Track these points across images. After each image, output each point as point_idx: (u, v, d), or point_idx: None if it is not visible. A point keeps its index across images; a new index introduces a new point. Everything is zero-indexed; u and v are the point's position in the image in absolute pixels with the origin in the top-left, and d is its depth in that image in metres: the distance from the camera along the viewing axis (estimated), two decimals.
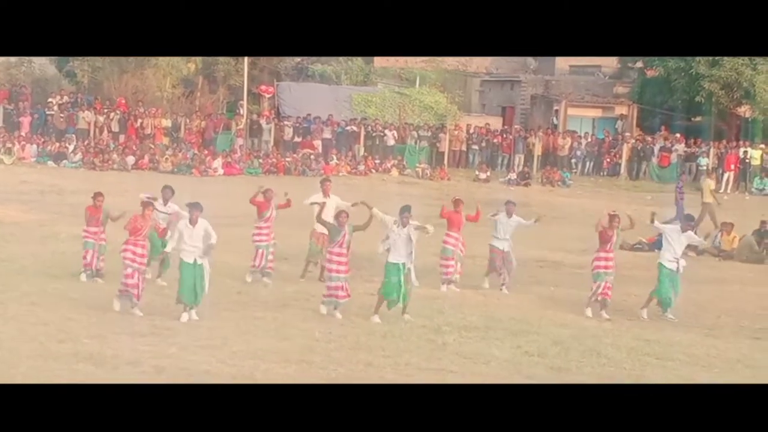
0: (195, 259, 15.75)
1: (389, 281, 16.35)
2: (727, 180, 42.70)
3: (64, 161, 39.07)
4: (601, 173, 44.27)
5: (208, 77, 48.14)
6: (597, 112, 48.82)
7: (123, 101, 43.37)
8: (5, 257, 20.41)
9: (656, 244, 27.18)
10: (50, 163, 38.95)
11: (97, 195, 18.84)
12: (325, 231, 18.17)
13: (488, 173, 42.20)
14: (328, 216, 18.35)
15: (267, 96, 46.02)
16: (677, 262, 18.07)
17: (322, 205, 18.02)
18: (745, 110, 45.48)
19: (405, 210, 16.68)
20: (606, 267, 18.10)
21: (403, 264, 16.40)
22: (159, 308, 16.30)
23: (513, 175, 42.10)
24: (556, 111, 48.57)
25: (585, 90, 49.88)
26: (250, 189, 33.60)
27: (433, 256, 19.67)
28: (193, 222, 15.86)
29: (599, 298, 18.01)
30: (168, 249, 16.38)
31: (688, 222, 19.06)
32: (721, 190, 42.16)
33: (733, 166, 42.75)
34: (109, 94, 44.59)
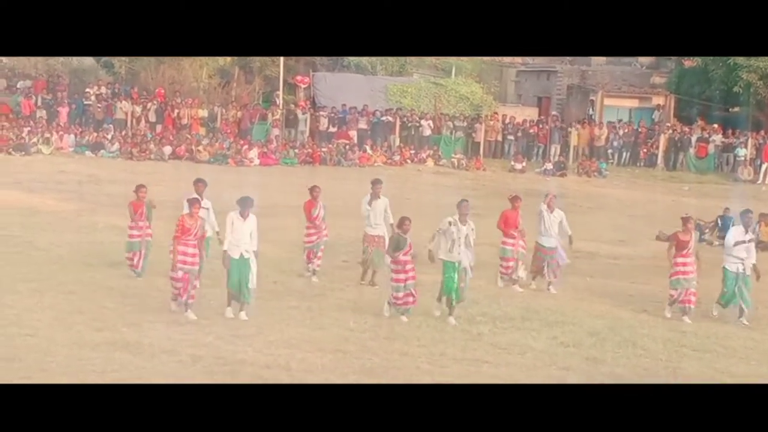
0: (241, 254, 15.38)
1: (448, 276, 15.83)
2: (765, 171, 42.34)
3: (102, 151, 39.31)
4: (638, 164, 44.04)
5: (244, 68, 48.28)
6: (634, 103, 48.57)
7: (162, 91, 43.57)
8: (42, 246, 20.57)
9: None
10: (88, 153, 39.19)
11: (140, 188, 18.23)
12: (379, 233, 18.14)
13: (524, 164, 42.07)
14: (378, 218, 18.30)
15: (303, 86, 46.10)
16: (742, 263, 17.43)
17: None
18: None
19: (464, 201, 16.24)
20: (685, 273, 17.34)
21: (460, 262, 15.88)
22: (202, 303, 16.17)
23: (549, 166, 41.96)
24: (592, 101, 48.34)
25: (621, 80, 49.62)
26: (286, 179, 34.05)
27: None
28: (244, 216, 15.41)
29: (679, 305, 17.35)
30: (225, 247, 15.45)
31: (747, 215, 18.03)
32: (759, 181, 41.89)
33: None
34: (146, 84, 44.86)
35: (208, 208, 17.38)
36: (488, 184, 37.83)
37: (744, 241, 17.45)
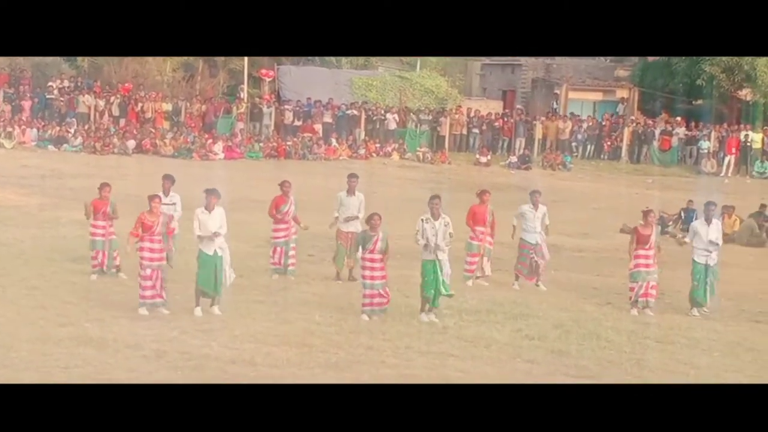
0: (215, 250, 15.24)
1: (427, 279, 15.63)
2: (728, 163, 42.70)
3: (65, 145, 39.02)
4: (602, 157, 44.23)
5: (208, 61, 48.04)
6: (598, 96, 48.79)
7: (129, 86, 43.25)
8: (5, 241, 20.41)
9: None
10: (51, 147, 38.90)
11: (103, 186, 17.81)
12: (352, 230, 17.96)
13: (489, 157, 42.18)
14: (350, 213, 18.12)
15: (267, 80, 45.95)
16: (708, 256, 17.51)
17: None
18: (746, 93, 45.42)
19: (434, 198, 15.96)
20: (647, 266, 17.30)
21: (437, 260, 15.65)
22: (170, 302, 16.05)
23: (514, 159, 42.09)
24: (557, 95, 48.53)
25: (586, 73, 49.81)
26: (251, 173, 33.95)
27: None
28: (209, 208, 15.24)
29: (641, 299, 17.31)
30: (197, 232, 15.20)
31: (710, 207, 18.08)
32: (722, 174, 42.22)
33: (734, 150, 42.71)
34: (109, 78, 44.56)
35: (175, 203, 17.27)
36: (453, 178, 37.90)
37: (712, 238, 17.54)
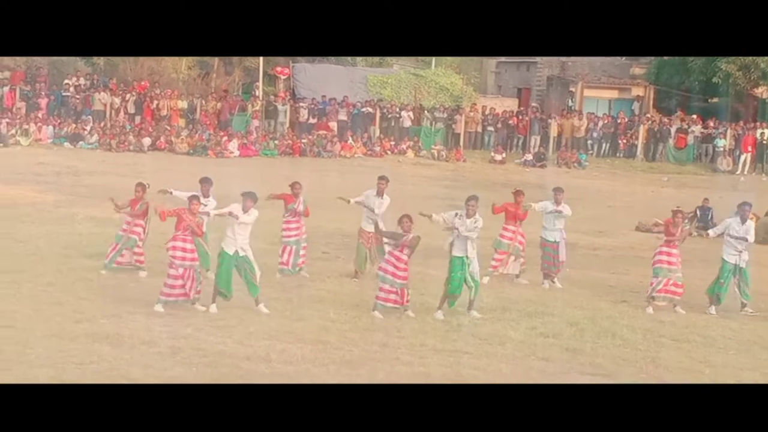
0: (236, 251, 15.32)
1: (454, 276, 15.69)
2: (744, 161, 42.58)
3: (81, 142, 39.16)
4: (618, 155, 44.17)
5: (223, 59, 48.15)
6: (613, 94, 48.73)
7: (146, 84, 43.36)
8: (21, 238, 20.47)
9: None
10: (66, 144, 39.04)
11: (137, 185, 17.91)
12: (373, 229, 17.93)
13: (504, 155, 42.14)
14: (375, 214, 18.09)
15: (282, 77, 46.05)
16: (739, 255, 17.47)
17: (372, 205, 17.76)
18: (762, 91, 45.30)
19: (471, 199, 15.91)
20: (669, 263, 17.26)
21: (467, 257, 15.71)
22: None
23: (529, 157, 42.03)
24: (572, 92, 48.45)
25: (601, 71, 49.75)
26: (266, 171, 33.97)
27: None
28: (245, 209, 15.30)
29: (662, 296, 17.25)
30: (212, 212, 15.42)
31: (745, 207, 17.80)
32: (738, 172, 42.09)
33: (750, 148, 42.60)
34: (125, 75, 44.70)
35: (208, 211, 17.14)
36: (468, 176, 37.88)
37: (740, 236, 17.49)
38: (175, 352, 12.68)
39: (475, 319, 15.54)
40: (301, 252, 18.44)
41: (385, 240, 16.28)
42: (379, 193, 18.12)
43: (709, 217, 28.07)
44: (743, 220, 17.68)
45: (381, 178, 18.43)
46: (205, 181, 17.33)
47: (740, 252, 17.51)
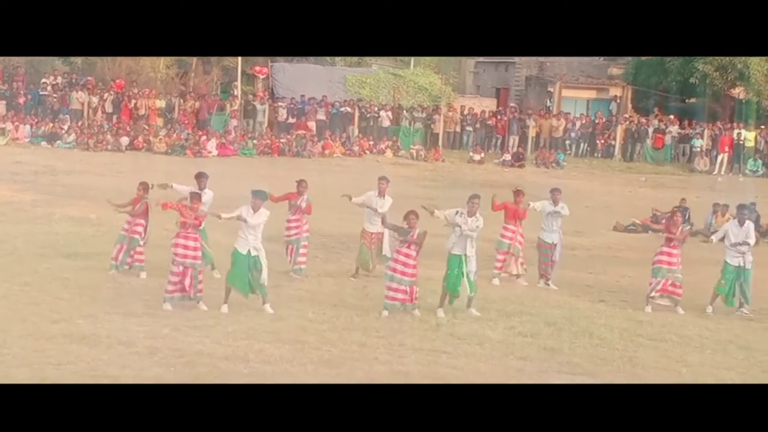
0: (249, 250, 15.31)
1: (451, 273, 15.80)
2: (721, 161, 42.82)
3: (58, 142, 39.00)
4: (595, 155, 44.33)
5: (201, 58, 48.05)
6: (591, 94, 48.89)
7: (122, 83, 43.23)
8: None
9: (648, 227, 27.35)
10: (44, 143, 38.87)
11: (140, 184, 17.78)
12: (378, 230, 18.01)
13: (482, 155, 42.22)
14: (377, 214, 18.11)
15: (261, 77, 45.98)
16: (742, 257, 17.56)
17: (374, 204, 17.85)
18: (739, 92, 45.54)
19: (474, 197, 16.04)
20: (670, 263, 17.34)
21: (465, 255, 15.83)
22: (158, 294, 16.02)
23: (507, 157, 42.12)
24: (550, 92, 48.57)
25: (579, 71, 49.91)
26: (245, 170, 33.89)
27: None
28: (255, 209, 15.29)
29: (662, 295, 17.35)
30: (232, 215, 15.35)
31: (742, 211, 18.02)
32: (715, 172, 42.30)
33: (727, 148, 42.84)
34: (103, 74, 44.51)
35: (206, 202, 17.15)
36: (447, 175, 37.93)
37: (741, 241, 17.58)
38: (152, 352, 12.64)
39: (450, 316, 15.57)
40: (301, 251, 18.45)
41: (392, 234, 16.22)
42: (381, 194, 18.27)
43: (687, 217, 28.19)
44: (741, 223, 17.78)
45: (381, 178, 18.63)
46: (201, 176, 17.37)
47: (743, 254, 17.59)
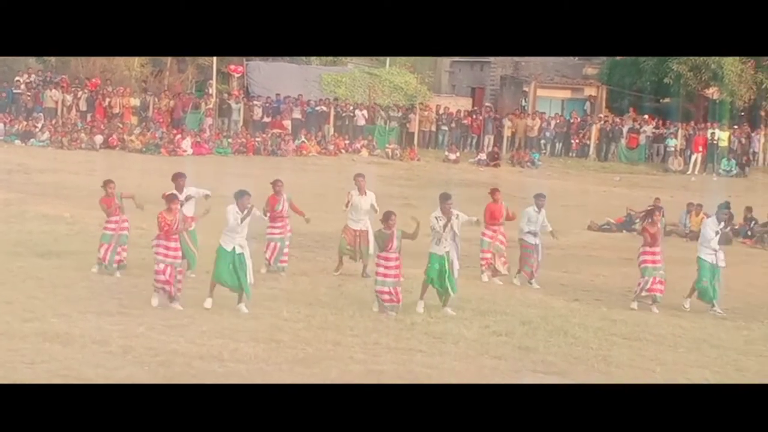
0: (234, 248, 15.29)
1: (432, 267, 15.85)
2: (695, 161, 43.02)
3: (32, 140, 38.79)
4: (570, 154, 44.47)
5: (176, 56, 47.86)
6: (566, 94, 49.01)
7: (97, 81, 43.03)
8: None
9: (624, 225, 27.48)
10: (17, 141, 38.66)
11: (108, 183, 17.69)
12: (362, 228, 18.05)
13: (458, 154, 42.29)
14: (361, 212, 18.22)
15: (236, 75, 45.89)
16: (715, 255, 17.68)
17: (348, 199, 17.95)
18: (713, 92, 45.76)
19: (447, 198, 16.06)
20: (654, 262, 17.51)
21: (447, 254, 15.88)
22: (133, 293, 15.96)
23: (482, 156, 42.20)
24: (526, 92, 48.68)
25: (554, 71, 50.03)
26: (220, 169, 33.82)
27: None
28: (242, 209, 15.26)
29: (647, 294, 17.49)
30: (233, 222, 15.15)
31: (723, 211, 18.30)
32: (689, 172, 42.51)
33: (700, 148, 43.06)
34: (77, 72, 44.28)
35: (191, 196, 17.09)
36: (422, 174, 37.97)
37: (717, 232, 17.71)
38: (126, 351, 12.58)
39: (424, 315, 15.61)
40: (285, 250, 18.49)
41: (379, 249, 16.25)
42: (361, 191, 18.35)
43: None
44: (721, 221, 17.91)
45: (358, 175, 18.75)
46: (179, 176, 17.22)
47: (716, 251, 17.67)
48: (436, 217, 15.91)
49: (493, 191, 19.47)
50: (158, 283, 15.37)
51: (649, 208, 18.19)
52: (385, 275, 15.70)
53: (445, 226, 15.79)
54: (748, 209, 27.99)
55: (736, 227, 27.69)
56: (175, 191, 16.57)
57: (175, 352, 12.70)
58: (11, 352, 12.20)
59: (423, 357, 13.27)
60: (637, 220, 27.38)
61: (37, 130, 39.27)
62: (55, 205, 24.46)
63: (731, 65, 43.96)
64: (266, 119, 43.04)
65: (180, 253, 15.65)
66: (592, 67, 50.46)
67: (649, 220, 17.75)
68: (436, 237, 15.92)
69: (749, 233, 27.29)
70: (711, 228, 17.87)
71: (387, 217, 15.79)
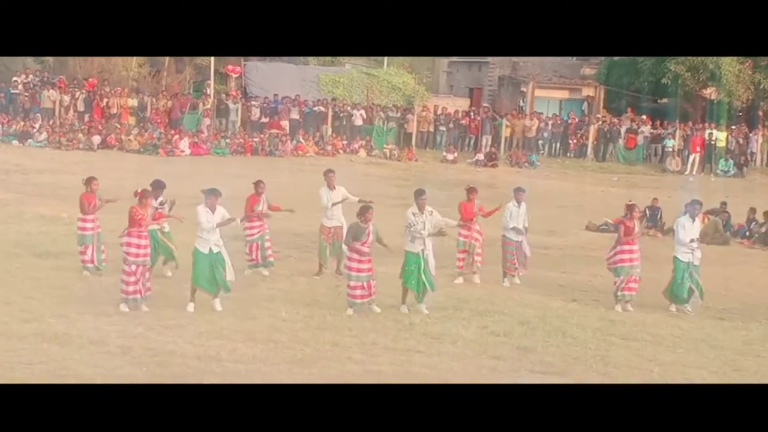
0: (210, 249, 15.23)
1: (408, 269, 15.84)
2: (693, 162, 43.01)
3: (29, 140, 38.75)
4: (568, 154, 44.45)
5: (174, 57, 47.85)
6: (564, 94, 49.03)
7: (94, 81, 43.00)
8: None
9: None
10: (15, 142, 38.60)
11: (91, 180, 17.55)
12: (336, 224, 18.04)
13: (455, 154, 42.27)
14: (336, 208, 18.20)
15: (234, 76, 45.88)
16: (692, 253, 17.54)
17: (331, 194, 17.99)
18: (710, 92, 45.80)
19: (420, 194, 16.16)
20: (631, 260, 17.34)
21: (422, 251, 15.89)
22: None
23: (480, 156, 42.19)
24: (523, 92, 48.69)
25: (552, 71, 50.04)
26: (217, 169, 33.78)
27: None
28: (211, 208, 15.19)
29: (622, 293, 17.37)
30: (206, 224, 15.07)
31: (694, 207, 17.89)
32: (686, 172, 42.52)
33: (698, 148, 43.06)
34: (74, 73, 44.24)
35: (164, 204, 17.12)
36: (420, 175, 37.96)
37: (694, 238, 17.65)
38: (125, 352, 12.59)
39: (424, 315, 15.60)
40: (266, 245, 18.45)
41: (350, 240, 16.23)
42: (331, 186, 18.29)
43: (658, 216, 28.38)
44: (693, 218, 17.84)
45: (327, 171, 18.72)
46: (157, 186, 17.00)
47: (692, 250, 17.65)
48: (413, 213, 15.92)
49: (470, 190, 19.24)
50: (128, 285, 15.05)
51: (629, 203, 18.08)
52: (359, 270, 15.61)
53: (423, 222, 15.78)
54: (752, 210, 27.95)
55: (735, 228, 27.74)
56: (149, 189, 16.43)
57: (173, 352, 12.71)
58: (9, 352, 12.22)
59: (421, 357, 13.28)
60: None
61: (35, 130, 39.23)
62: (52, 206, 24.44)
63: (729, 65, 43.97)
64: (264, 120, 43.02)
65: (149, 250, 15.50)
66: (590, 67, 50.47)
67: (628, 214, 17.68)
68: (411, 234, 15.90)
69: (747, 234, 27.28)
70: (682, 225, 17.78)
71: (364, 211, 15.71)
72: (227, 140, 40.93)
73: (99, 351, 12.61)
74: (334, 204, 18.23)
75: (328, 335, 14.11)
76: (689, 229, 17.60)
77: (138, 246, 15.22)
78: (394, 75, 46.91)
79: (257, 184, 18.52)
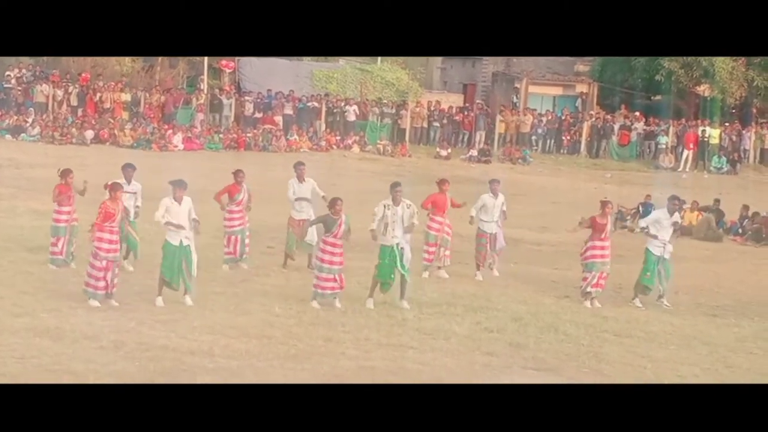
0: (181, 241, 15.16)
1: (383, 263, 15.82)
2: (686, 158, 43.03)
3: (22, 135, 38.66)
4: (562, 151, 44.43)
5: (168, 56, 47.73)
6: (558, 90, 49.01)
7: (87, 76, 42.92)
8: None
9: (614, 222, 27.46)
10: (8, 136, 38.52)
11: (67, 172, 17.56)
12: (304, 217, 18.00)
13: (449, 150, 42.25)
14: (302, 201, 18.17)
15: (228, 71, 45.80)
16: (663, 247, 17.60)
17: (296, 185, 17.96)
18: (704, 89, 45.81)
19: (396, 185, 16.14)
20: (603, 256, 17.35)
21: (397, 245, 15.86)
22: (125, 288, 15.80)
23: (474, 152, 42.18)
24: (517, 89, 48.68)
25: (546, 68, 50.03)
26: (211, 164, 33.74)
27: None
28: (178, 200, 15.17)
29: (591, 289, 17.31)
30: (158, 217, 15.05)
31: (673, 201, 18.11)
32: (680, 169, 42.55)
33: (692, 145, 43.05)
34: (68, 67, 44.12)
35: (135, 192, 17.21)
36: (414, 171, 37.92)
37: (668, 225, 17.68)
38: (117, 347, 12.57)
39: (417, 311, 15.60)
40: (246, 241, 18.43)
41: (316, 225, 16.29)
42: (300, 179, 18.33)
43: (651, 213, 28.34)
44: (671, 213, 17.89)
45: (298, 163, 18.76)
46: (129, 167, 17.26)
47: (664, 245, 17.67)
48: (384, 205, 15.88)
49: (442, 182, 19.12)
50: (96, 280, 14.90)
51: (603, 200, 18.06)
52: (331, 262, 15.57)
53: (392, 214, 15.74)
54: (745, 207, 27.97)
55: (728, 225, 27.77)
56: (119, 181, 16.43)
57: (166, 347, 12.69)
58: (1, 347, 12.19)
59: (414, 353, 13.28)
60: (628, 217, 27.52)
61: (28, 124, 39.14)
62: (45, 201, 24.25)
63: (722, 63, 44.00)
64: (257, 115, 42.95)
65: (118, 246, 15.41)
66: (584, 64, 50.46)
67: (600, 211, 17.67)
68: (381, 225, 15.86)
69: (740, 231, 27.31)
70: (657, 219, 17.80)
71: (333, 203, 15.69)
72: (221, 135, 40.87)
73: (92, 346, 12.59)
74: (297, 199, 18.17)
75: (321, 331, 14.11)
76: (665, 223, 17.62)
77: (110, 241, 15.10)
78: (387, 71, 46.87)
79: (237, 173, 18.50)
